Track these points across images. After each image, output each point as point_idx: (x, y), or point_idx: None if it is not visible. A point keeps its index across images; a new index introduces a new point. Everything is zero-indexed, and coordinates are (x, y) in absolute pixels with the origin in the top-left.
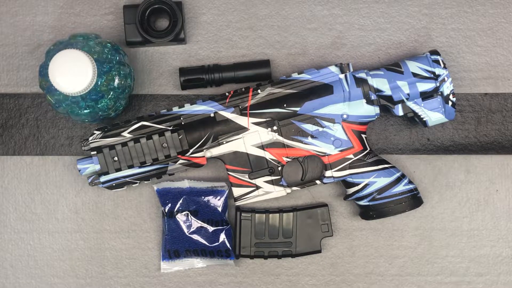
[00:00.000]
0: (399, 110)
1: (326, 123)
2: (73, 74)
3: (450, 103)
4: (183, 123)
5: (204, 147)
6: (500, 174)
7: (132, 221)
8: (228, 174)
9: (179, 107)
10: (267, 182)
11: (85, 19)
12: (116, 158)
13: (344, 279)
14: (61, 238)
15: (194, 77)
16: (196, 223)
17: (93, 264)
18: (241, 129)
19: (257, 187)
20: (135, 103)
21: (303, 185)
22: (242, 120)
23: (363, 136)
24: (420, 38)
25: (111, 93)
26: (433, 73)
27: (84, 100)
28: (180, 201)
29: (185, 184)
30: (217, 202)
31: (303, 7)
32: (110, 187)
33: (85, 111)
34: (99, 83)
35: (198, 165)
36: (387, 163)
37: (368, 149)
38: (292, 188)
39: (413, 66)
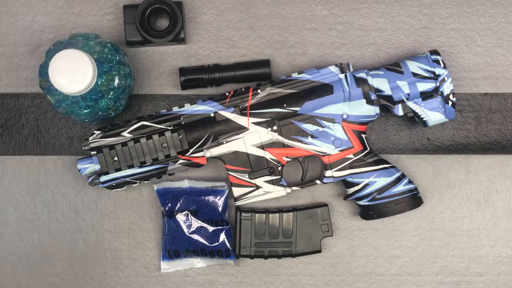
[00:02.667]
0: (399, 110)
1: (326, 123)
2: (73, 74)
3: (450, 103)
4: (183, 123)
5: (204, 147)
6: (500, 174)
7: (132, 221)
8: (228, 174)
9: (179, 107)
10: (267, 182)
11: (85, 19)
12: (116, 158)
13: (344, 279)
14: (61, 238)
15: (194, 77)
16: (196, 223)
17: (93, 264)
18: (241, 129)
19: (257, 187)
20: (135, 103)
21: (303, 185)
22: (242, 120)
23: (363, 136)
24: (420, 38)
25: (111, 93)
26: (433, 73)
27: (84, 100)
28: (180, 201)
29: (185, 184)
30: (217, 202)
31: (303, 7)
32: (110, 187)
33: (85, 111)
34: (99, 83)
35: (198, 165)
36: (387, 163)
37: (368, 149)
38: (292, 188)
39: (413, 66)
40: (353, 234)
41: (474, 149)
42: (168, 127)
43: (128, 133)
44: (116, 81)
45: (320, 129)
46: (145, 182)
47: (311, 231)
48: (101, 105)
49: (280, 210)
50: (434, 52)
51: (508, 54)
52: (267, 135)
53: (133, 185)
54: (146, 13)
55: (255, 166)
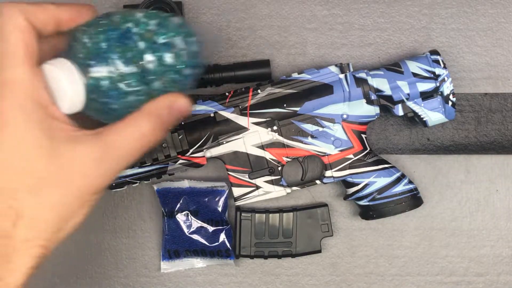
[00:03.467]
0: (399, 110)
1: (326, 123)
2: (57, 92)
3: (450, 103)
4: (183, 123)
5: (204, 147)
6: (500, 174)
7: (132, 221)
8: (228, 174)
9: None
10: (267, 182)
11: None
12: None
13: (344, 279)
14: None
15: None
16: (196, 223)
17: (93, 264)
18: (241, 129)
19: (257, 187)
20: None
21: (303, 185)
22: (242, 120)
23: (363, 136)
24: (420, 38)
25: (163, 72)
26: (433, 73)
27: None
28: (180, 201)
29: (185, 184)
30: (217, 202)
31: (303, 7)
32: (110, 187)
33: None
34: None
35: (198, 165)
36: (387, 163)
37: (368, 149)
38: (292, 188)
39: (413, 66)
40: (353, 234)
41: (474, 149)
42: None
43: None
44: (150, 59)
45: (320, 129)
46: (145, 182)
47: (311, 231)
48: (154, 86)
49: (280, 210)
50: (434, 52)
51: (508, 54)
52: (267, 135)
53: (133, 185)
54: None
55: (255, 166)
